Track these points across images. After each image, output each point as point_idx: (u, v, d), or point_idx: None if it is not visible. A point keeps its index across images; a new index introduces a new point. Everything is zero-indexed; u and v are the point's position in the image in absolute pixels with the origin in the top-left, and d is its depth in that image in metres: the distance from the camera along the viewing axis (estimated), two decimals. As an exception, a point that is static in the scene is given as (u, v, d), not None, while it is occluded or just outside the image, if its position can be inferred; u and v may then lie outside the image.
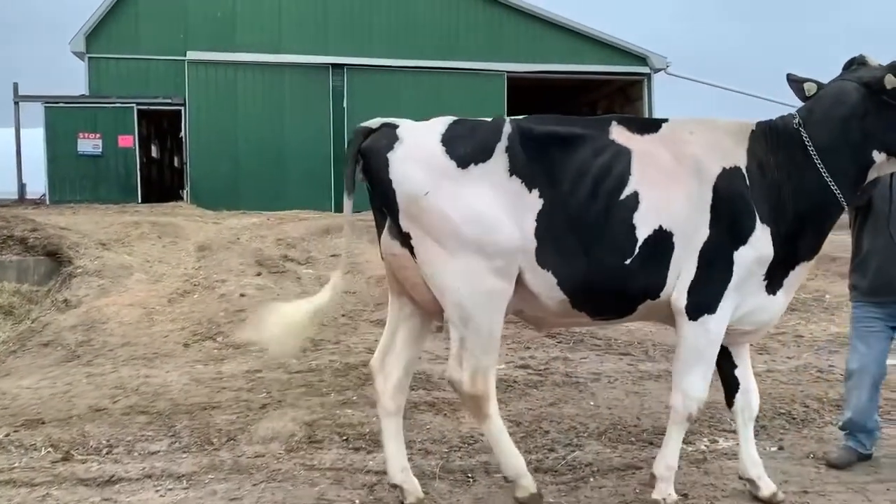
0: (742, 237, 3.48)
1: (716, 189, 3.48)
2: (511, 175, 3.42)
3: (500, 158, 3.44)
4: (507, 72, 21.04)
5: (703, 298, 3.47)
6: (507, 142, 3.47)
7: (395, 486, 3.77)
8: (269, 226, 14.63)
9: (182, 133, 19.66)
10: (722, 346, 3.67)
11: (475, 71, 20.81)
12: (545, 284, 3.46)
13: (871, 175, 3.70)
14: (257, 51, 19.61)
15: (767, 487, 3.90)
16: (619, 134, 3.59)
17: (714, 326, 3.50)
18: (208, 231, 13.85)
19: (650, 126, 3.68)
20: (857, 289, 4.47)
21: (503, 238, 3.37)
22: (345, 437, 4.75)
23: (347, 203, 3.64)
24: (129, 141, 19.10)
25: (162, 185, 21.94)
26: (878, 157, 3.61)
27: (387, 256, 3.63)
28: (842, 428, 4.55)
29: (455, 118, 3.63)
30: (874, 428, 4.48)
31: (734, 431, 4.95)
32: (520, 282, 3.45)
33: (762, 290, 3.61)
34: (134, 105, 19.02)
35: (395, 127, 3.56)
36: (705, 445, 4.78)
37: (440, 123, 3.58)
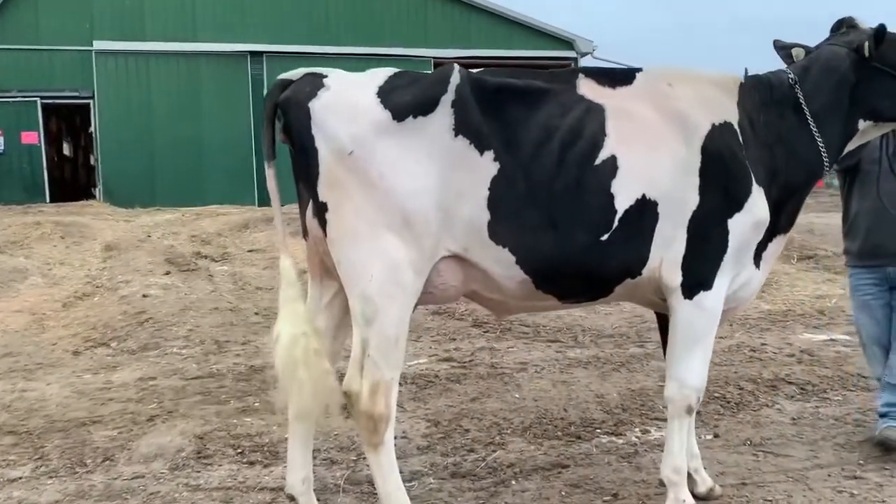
0: (737, 202, 3.10)
1: (705, 149, 3.08)
2: (457, 134, 2.89)
3: (443, 113, 2.89)
4: (434, 58, 20.62)
5: (698, 274, 3.10)
6: (453, 94, 2.91)
7: (291, 500, 3.26)
8: (183, 222, 13.92)
9: (92, 128, 18.56)
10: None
11: (401, 57, 20.28)
12: (500, 262, 2.97)
13: (853, 144, 3.51)
14: (170, 39, 18.70)
15: (704, 482, 3.55)
16: (588, 88, 3.13)
17: (711, 304, 3.13)
18: (117, 230, 13.09)
19: (623, 78, 3.22)
20: (850, 253, 4.38)
21: (432, 213, 2.86)
22: (239, 450, 4.22)
23: (270, 173, 2.99)
24: (33, 137, 17.97)
25: (76, 183, 20.77)
26: (862, 125, 3.43)
27: (311, 238, 3.08)
28: (881, 415, 4.23)
29: (398, 69, 3.08)
30: None
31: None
32: (465, 259, 2.98)
33: (752, 262, 3.27)
34: (37, 99, 17.92)
35: (322, 76, 2.99)
36: (636, 437, 4.43)
37: (380, 74, 3.03)
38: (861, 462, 4.00)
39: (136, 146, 18.43)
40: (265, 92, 18.72)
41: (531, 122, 2.97)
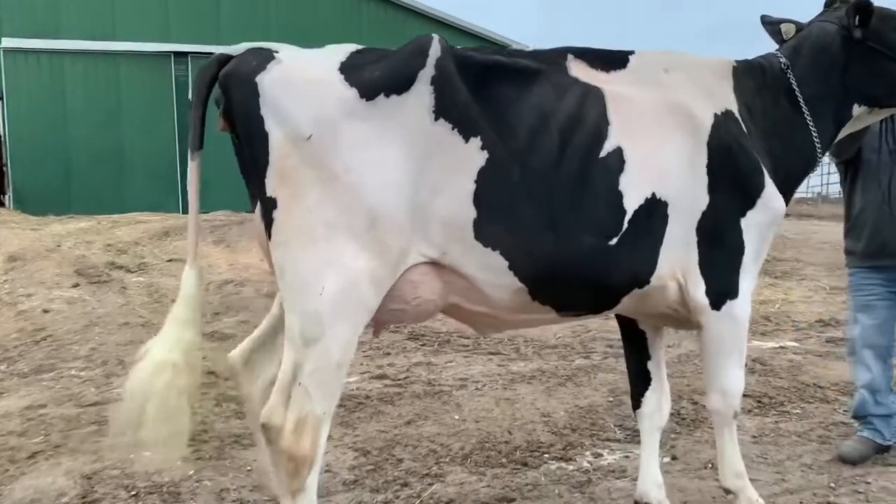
0: (750, 199, 2.83)
1: (711, 143, 2.78)
2: (437, 117, 2.46)
3: (422, 91, 2.46)
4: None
5: (721, 282, 2.82)
6: (433, 69, 2.48)
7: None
8: (99, 230, 12.96)
9: (0, 131, 17.36)
10: (635, 331, 3.16)
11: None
12: (488, 267, 2.56)
13: (846, 131, 3.22)
14: (87, 38, 17.61)
15: None
16: (580, 70, 2.77)
17: (740, 312, 2.87)
18: (24, 239, 12.06)
19: (616, 61, 2.87)
20: (853, 254, 4.04)
21: (405, 214, 2.43)
22: (133, 492, 3.61)
23: (192, 165, 2.56)
24: (-65, 141, 16.62)
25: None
26: (856, 110, 3.15)
27: (260, 239, 2.61)
28: (854, 416, 4.05)
29: (359, 46, 2.63)
30: (891, 412, 3.98)
31: (619, 440, 4.29)
32: (444, 266, 2.55)
33: None
34: (-61, 99, 16.58)
35: (270, 50, 2.52)
36: (588, 462, 4.00)
37: (340, 49, 2.57)
38: (832, 485, 3.66)
39: (50, 151, 17.28)
40: (189, 94, 17.99)
41: (524, 105, 2.60)
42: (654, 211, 2.69)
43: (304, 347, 2.40)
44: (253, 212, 2.57)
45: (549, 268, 2.60)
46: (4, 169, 17.61)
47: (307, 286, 2.38)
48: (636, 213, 2.65)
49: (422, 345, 6.76)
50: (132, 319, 7.45)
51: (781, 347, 6.37)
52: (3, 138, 17.39)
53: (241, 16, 18.68)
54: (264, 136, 2.40)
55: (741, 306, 2.85)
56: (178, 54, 18.14)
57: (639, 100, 2.75)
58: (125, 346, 6.49)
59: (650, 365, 3.19)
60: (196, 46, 18.03)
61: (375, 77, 2.44)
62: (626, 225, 2.64)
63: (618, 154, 2.65)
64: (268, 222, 2.44)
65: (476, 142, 2.49)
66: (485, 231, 2.52)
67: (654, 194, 2.69)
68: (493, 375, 5.64)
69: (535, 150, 2.57)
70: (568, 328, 7.25)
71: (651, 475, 3.18)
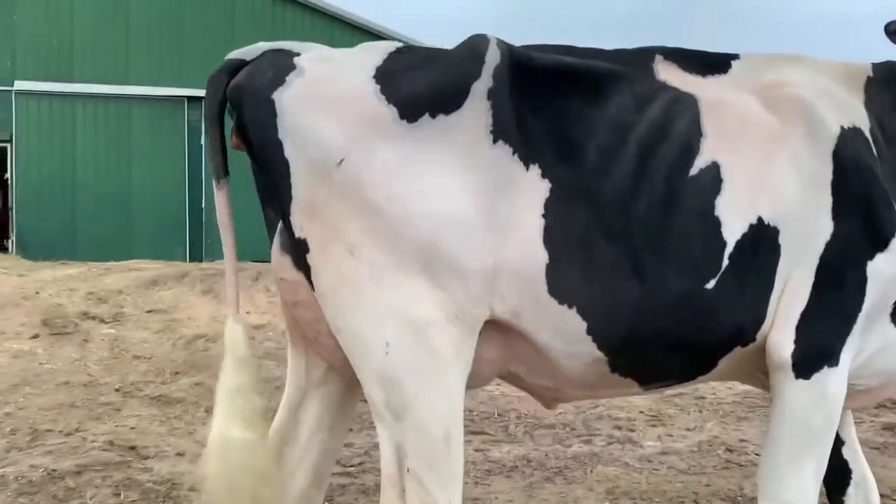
0: (882, 239, 2.23)
1: (837, 157, 2.23)
2: (496, 139, 2.05)
3: (476, 108, 2.05)
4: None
5: (821, 341, 2.18)
6: (491, 80, 2.06)
7: None
8: (86, 277, 12.31)
9: (7, 174, 17.04)
10: None
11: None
12: (564, 332, 2.09)
13: None
14: (99, 81, 17.34)
15: None
16: (670, 73, 2.31)
17: (835, 387, 2.21)
18: (5, 285, 11.43)
19: (715, 64, 2.40)
20: None
21: (472, 252, 2.00)
22: None
23: (219, 196, 2.19)
24: (-60, 183, 16.33)
25: (-8, 233, 19.00)
26: None
27: (277, 282, 2.26)
28: None
29: (402, 43, 2.27)
30: None
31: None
32: (511, 327, 2.08)
33: (890, 320, 2.33)
34: (-53, 141, 16.35)
35: (290, 53, 2.15)
36: None
37: (375, 49, 2.20)
38: None
39: (57, 195, 16.92)
40: (202, 139, 17.59)
41: (597, 118, 2.16)
42: (762, 241, 2.15)
43: (396, 422, 1.97)
44: (271, 238, 2.18)
45: (632, 327, 2.10)
46: (10, 213, 17.22)
47: (367, 345, 1.98)
48: (738, 244, 2.13)
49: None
50: (76, 378, 6.62)
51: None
52: (10, 182, 17.06)
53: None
54: (284, 165, 2.03)
55: (838, 379, 2.20)
56: (191, 99, 17.74)
57: (742, 105, 2.27)
58: (50, 410, 5.63)
59: (846, 452, 2.55)
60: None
61: (418, 92, 2.04)
62: (726, 261, 2.12)
63: (713, 171, 2.16)
64: (304, 268, 2.07)
65: (538, 169, 2.08)
66: (558, 282, 2.06)
67: (760, 219, 2.15)
68: (466, 464, 4.60)
69: (609, 172, 2.11)
70: (572, 403, 6.20)
71: None
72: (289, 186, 2.02)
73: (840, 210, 2.20)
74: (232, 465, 2.06)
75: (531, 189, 2.07)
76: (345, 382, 2.30)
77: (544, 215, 2.05)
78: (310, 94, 2.05)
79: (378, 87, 2.03)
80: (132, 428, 5.24)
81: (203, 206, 17.24)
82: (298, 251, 2.04)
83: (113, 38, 17.55)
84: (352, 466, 4.58)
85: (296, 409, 2.34)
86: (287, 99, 2.03)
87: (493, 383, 6.93)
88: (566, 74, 2.17)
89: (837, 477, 2.54)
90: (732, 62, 2.41)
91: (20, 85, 16.87)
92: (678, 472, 4.47)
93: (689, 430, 5.47)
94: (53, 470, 4.35)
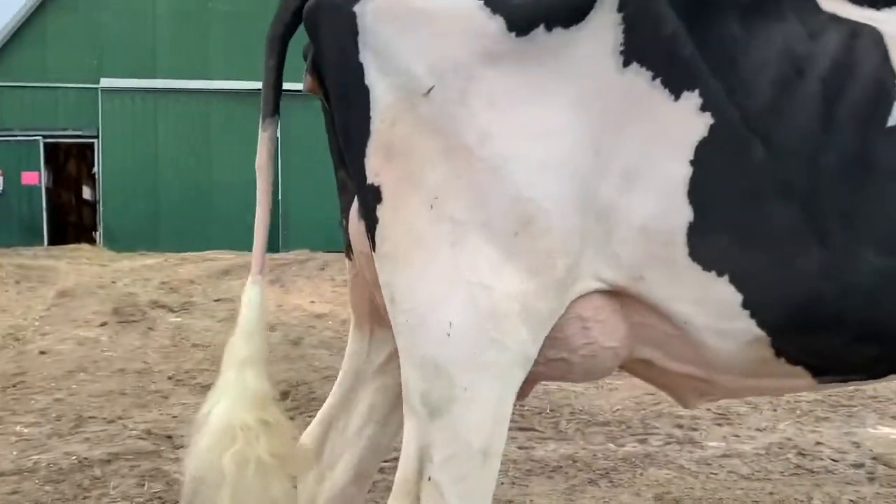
0: None
1: None
2: (628, 62, 1.65)
3: (604, 24, 1.65)
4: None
5: None
6: None
7: None
8: (162, 267, 12.68)
9: (95, 168, 17.73)
10: None
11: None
12: (711, 304, 1.71)
13: None
14: (181, 77, 17.78)
15: None
16: (837, 4, 1.81)
17: None
18: (85, 274, 11.89)
19: None
20: None
21: (579, 211, 1.63)
22: None
23: (263, 137, 1.88)
24: (33, 178, 17.19)
25: (80, 226, 19.86)
26: None
27: (356, 249, 1.88)
28: None
29: None
30: None
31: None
32: (630, 296, 1.72)
33: None
34: (40, 138, 17.18)
35: None
36: None
37: None
38: None
39: (141, 188, 17.48)
40: (278, 132, 17.85)
41: (764, 47, 1.73)
42: None
43: (429, 420, 1.61)
44: (344, 223, 1.86)
45: (808, 306, 1.72)
46: (97, 206, 17.92)
47: (424, 322, 1.61)
48: None
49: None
50: (131, 366, 6.68)
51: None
52: (97, 176, 17.73)
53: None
54: (364, 92, 1.65)
55: None
56: (267, 92, 17.99)
57: None
58: (99, 397, 5.65)
59: None
60: (289, 84, 17.87)
61: (532, 3, 1.63)
62: None
63: None
64: (370, 225, 1.68)
65: (693, 99, 1.65)
66: (706, 245, 1.68)
67: None
68: (506, 463, 4.31)
69: (787, 114, 1.70)
70: (632, 397, 5.80)
71: None
72: (367, 118, 1.65)
73: None
74: (236, 457, 1.72)
75: (679, 126, 1.67)
76: None
77: (694, 161, 1.65)
78: (397, 7, 1.66)
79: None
80: (174, 416, 5.18)
81: (279, 197, 17.46)
82: (369, 202, 1.67)
83: (194, 36, 17.96)
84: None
85: (348, 396, 2.08)
86: (371, 11, 1.65)
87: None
88: None
89: None
90: None
91: (106, 82, 17.49)
92: (739, 477, 4.04)
93: (759, 430, 4.98)
94: (85, 458, 4.31)
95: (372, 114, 1.64)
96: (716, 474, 4.03)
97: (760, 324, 1.71)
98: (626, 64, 1.64)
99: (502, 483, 3.98)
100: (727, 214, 1.68)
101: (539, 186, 1.60)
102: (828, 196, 1.71)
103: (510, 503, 3.70)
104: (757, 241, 1.70)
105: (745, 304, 1.70)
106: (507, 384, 1.62)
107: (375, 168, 1.64)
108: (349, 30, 1.65)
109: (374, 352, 2.05)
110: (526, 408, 5.51)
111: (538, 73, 1.63)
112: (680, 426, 5.02)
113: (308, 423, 2.17)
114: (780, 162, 1.68)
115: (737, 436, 4.85)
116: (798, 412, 5.45)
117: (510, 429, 4.78)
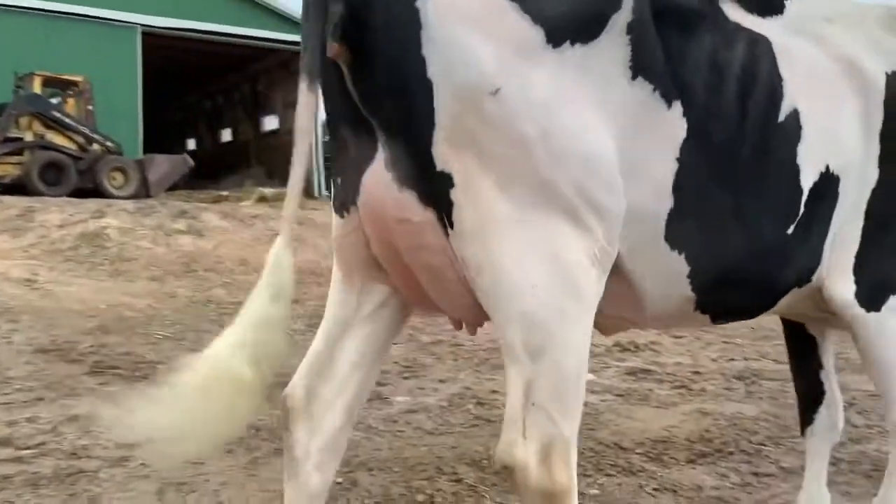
0: None
1: (888, 104, 2.38)
2: (635, 75, 1.90)
3: (615, 41, 1.88)
4: (142, 25, 17.63)
5: (880, 272, 2.43)
6: (631, 14, 1.88)
7: None
8: None
9: None
10: (805, 336, 2.89)
11: (100, 20, 16.96)
12: (664, 275, 2.08)
13: None
14: None
15: None
16: (737, 14, 2.23)
17: None
18: None
19: (772, 4, 2.37)
20: None
21: (614, 195, 1.89)
22: None
23: (304, 100, 1.85)
24: None
25: None
26: None
27: (389, 223, 1.93)
28: None
29: None
30: None
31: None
32: (621, 268, 2.02)
33: None
34: None
35: None
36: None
37: None
38: None
39: None
40: None
41: (701, 57, 2.08)
42: (827, 189, 2.30)
43: (531, 362, 1.87)
44: (338, 181, 2.05)
45: (730, 271, 2.20)
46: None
47: (515, 285, 1.84)
48: (811, 192, 2.27)
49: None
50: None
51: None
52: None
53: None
54: (426, 87, 1.78)
55: None
56: None
57: (804, 51, 2.33)
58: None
59: (822, 375, 2.90)
60: None
61: (562, 13, 1.84)
62: (802, 208, 2.26)
63: (794, 118, 2.23)
64: (444, 205, 1.84)
65: (678, 107, 2.01)
66: (676, 229, 2.05)
67: (829, 168, 2.29)
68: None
69: (719, 114, 2.10)
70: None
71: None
72: (430, 112, 1.80)
73: (886, 158, 2.36)
74: (221, 365, 1.82)
75: (670, 129, 2.01)
76: (395, 323, 2.23)
77: (679, 158, 2.00)
78: (460, 4, 1.80)
79: (520, 5, 1.80)
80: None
81: None
82: (439, 187, 1.84)
83: None
84: (27, 449, 3.65)
85: (334, 346, 2.16)
86: (436, 8, 1.78)
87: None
88: (688, 11, 2.09)
89: (813, 397, 2.88)
90: (786, 2, 2.40)
91: None
92: (424, 433, 4.08)
93: (441, 381, 5.16)
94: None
95: (437, 106, 1.78)
96: (402, 431, 4.03)
97: (694, 289, 2.13)
98: (634, 77, 1.92)
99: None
100: (691, 202, 2.03)
101: (588, 172, 1.84)
102: (745, 182, 2.12)
103: (183, 485, 3.30)
104: (706, 224, 2.08)
105: (689, 275, 2.09)
106: (586, 322, 1.91)
107: (444, 156, 1.81)
108: (412, 21, 1.76)
109: (364, 302, 2.16)
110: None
111: (573, 79, 1.85)
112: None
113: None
114: (717, 155, 2.07)
115: (422, 388, 4.95)
116: (476, 360, 5.76)
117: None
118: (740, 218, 2.16)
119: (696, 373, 5.58)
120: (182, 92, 28.41)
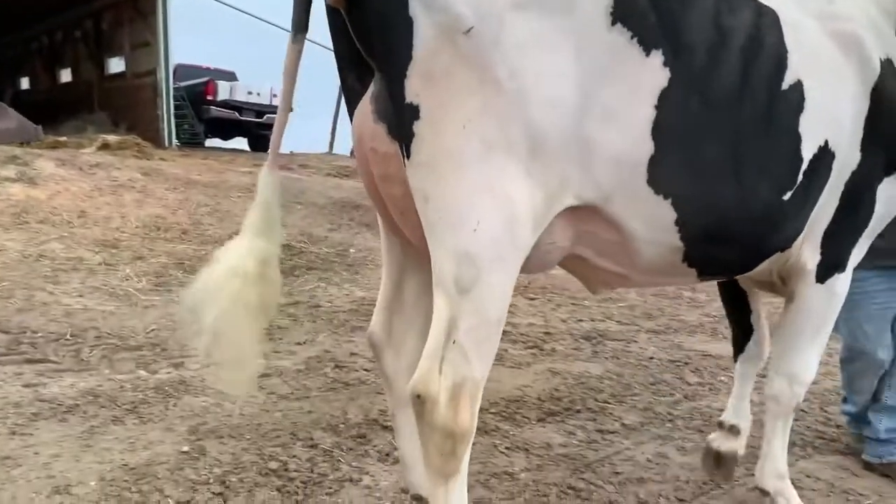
0: (892, 164, 2.54)
1: (876, 90, 2.43)
2: (614, 22, 1.95)
3: None
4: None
5: (837, 252, 2.61)
6: None
7: (419, 500, 2.49)
8: None
9: None
10: (738, 290, 3.16)
11: None
12: (654, 221, 2.13)
13: None
14: None
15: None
16: None
17: (842, 288, 2.68)
18: None
19: None
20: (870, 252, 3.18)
21: (575, 141, 1.95)
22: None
23: (292, 50, 2.08)
24: None
25: None
26: None
27: (366, 153, 2.10)
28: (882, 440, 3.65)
29: None
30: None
31: None
32: (597, 213, 2.08)
33: None
34: None
35: None
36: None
37: None
38: None
39: None
40: None
41: (700, 14, 2.13)
42: (823, 163, 2.38)
43: (458, 297, 1.95)
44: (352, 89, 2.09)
45: (720, 225, 2.26)
46: None
47: (459, 220, 1.91)
48: (810, 163, 2.35)
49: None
50: None
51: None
52: None
53: None
54: (406, 23, 1.87)
55: (844, 282, 2.69)
56: None
57: (810, 31, 2.38)
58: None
59: (752, 318, 3.22)
60: None
61: None
62: (800, 177, 2.34)
63: (798, 89, 2.28)
64: (405, 136, 1.93)
65: (658, 56, 2.03)
66: (660, 173, 2.09)
67: (827, 143, 2.37)
68: (5, 407, 3.54)
69: (718, 72, 2.14)
70: (167, 314, 5.36)
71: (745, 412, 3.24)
72: (409, 47, 1.88)
73: (868, 142, 2.45)
74: (220, 291, 2.09)
75: (647, 77, 2.04)
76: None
77: (657, 106, 2.03)
78: None
79: None
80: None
81: None
82: (405, 117, 1.92)
83: None
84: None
85: (398, 282, 2.41)
86: None
87: (78, 293, 5.73)
88: None
89: (744, 335, 3.21)
90: None
91: None
92: (279, 397, 3.96)
93: (299, 344, 5.02)
94: None
95: (415, 42, 1.85)
96: (255, 397, 3.88)
97: (682, 238, 2.19)
98: (612, 23, 1.95)
99: (0, 434, 3.25)
100: (675, 150, 2.07)
101: (549, 119, 1.89)
102: (743, 142, 2.18)
103: (7, 459, 3.02)
104: (693, 173, 2.13)
105: (677, 222, 2.14)
106: (514, 271, 1.98)
107: (415, 89, 1.87)
108: None
109: (405, 239, 2.27)
110: (40, 334, 4.69)
111: (549, 24, 1.90)
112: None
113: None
114: (711, 111, 2.12)
115: (278, 352, 4.80)
116: (336, 322, 5.66)
117: (16, 363, 4.02)
118: (736, 176, 2.21)
119: (548, 333, 5.76)
120: (14, 26, 25.74)
